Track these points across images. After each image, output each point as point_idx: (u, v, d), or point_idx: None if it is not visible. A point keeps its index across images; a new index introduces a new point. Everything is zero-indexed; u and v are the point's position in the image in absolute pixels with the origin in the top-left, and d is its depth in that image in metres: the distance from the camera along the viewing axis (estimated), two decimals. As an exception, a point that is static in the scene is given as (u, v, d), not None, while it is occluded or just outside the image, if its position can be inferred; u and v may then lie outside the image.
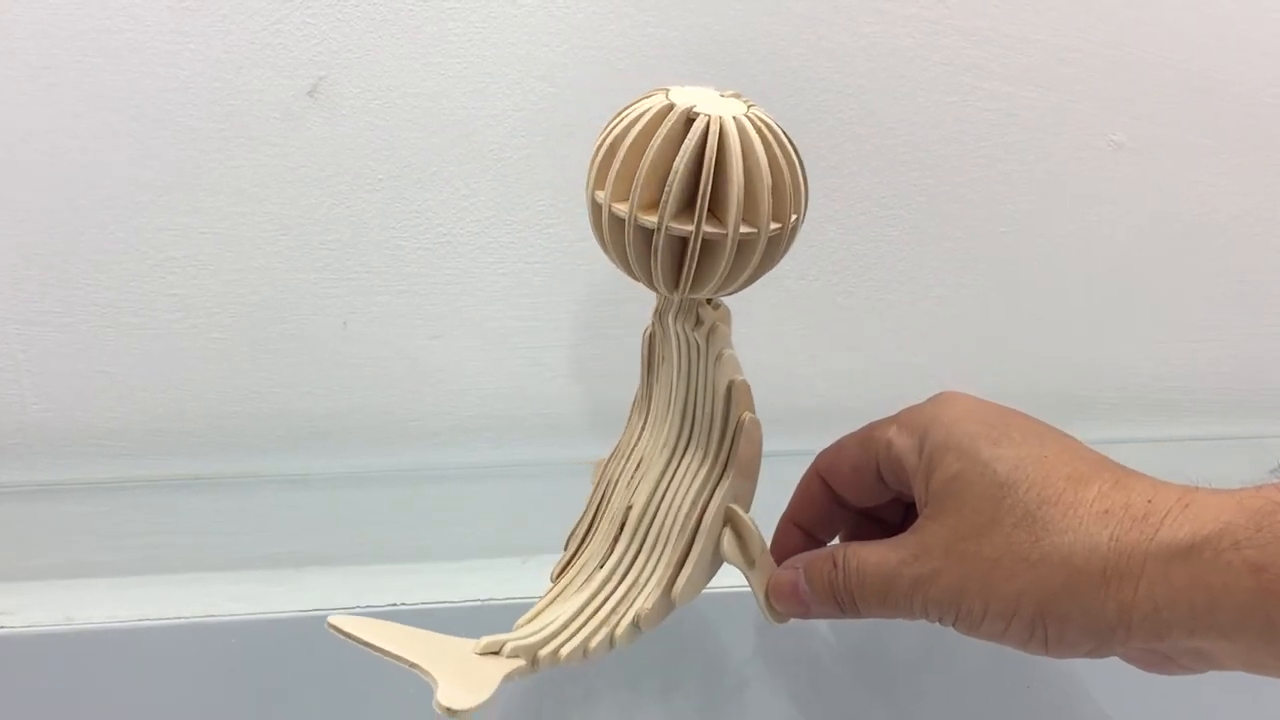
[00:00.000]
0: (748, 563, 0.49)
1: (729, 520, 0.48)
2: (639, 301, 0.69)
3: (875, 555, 0.44)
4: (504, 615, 0.62)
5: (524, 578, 0.65)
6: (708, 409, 0.47)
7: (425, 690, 0.60)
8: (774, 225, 0.40)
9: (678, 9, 0.63)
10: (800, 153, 0.42)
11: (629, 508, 0.50)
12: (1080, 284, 0.74)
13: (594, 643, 0.48)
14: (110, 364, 0.67)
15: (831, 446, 0.50)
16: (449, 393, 0.70)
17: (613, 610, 0.49)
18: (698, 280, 0.42)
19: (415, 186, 0.65)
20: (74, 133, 0.61)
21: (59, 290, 0.65)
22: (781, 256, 0.43)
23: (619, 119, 0.41)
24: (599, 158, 0.42)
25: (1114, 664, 0.64)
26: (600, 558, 0.51)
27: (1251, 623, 0.36)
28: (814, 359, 0.73)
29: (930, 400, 0.46)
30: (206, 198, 0.64)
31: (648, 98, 0.41)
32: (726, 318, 0.47)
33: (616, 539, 0.51)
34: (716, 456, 0.48)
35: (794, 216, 0.41)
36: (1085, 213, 0.72)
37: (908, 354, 0.74)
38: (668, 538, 0.49)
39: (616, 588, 0.50)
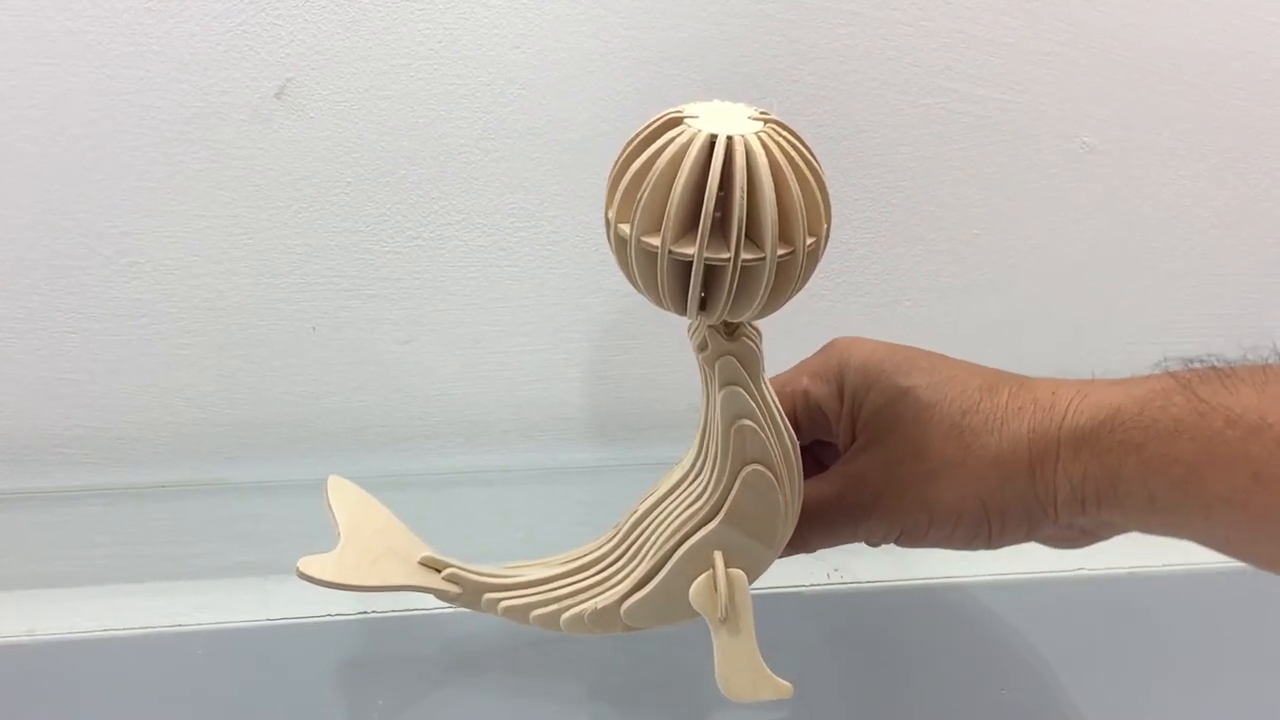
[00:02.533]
0: (711, 618, 0.47)
1: (710, 566, 0.46)
2: (610, 304, 0.69)
3: (815, 490, 0.47)
4: (477, 621, 0.62)
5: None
6: (715, 442, 0.46)
7: (393, 701, 0.59)
8: (783, 249, 0.38)
9: (647, 12, 0.63)
10: (821, 171, 0.39)
11: (634, 512, 0.50)
12: (1052, 285, 0.74)
13: (538, 613, 0.50)
14: (73, 370, 0.66)
15: None
16: (419, 398, 0.70)
17: (573, 594, 0.50)
18: (708, 305, 0.40)
19: (384, 189, 0.64)
20: (34, 137, 0.60)
21: (20, 295, 0.64)
22: (802, 280, 0.40)
23: (633, 138, 0.39)
24: (611, 176, 0.40)
25: (1089, 662, 0.64)
26: (598, 545, 0.51)
27: (1136, 495, 0.41)
28: (784, 363, 0.73)
29: (828, 349, 0.50)
30: (171, 201, 0.63)
31: (661, 116, 0.39)
32: (745, 352, 0.44)
33: (616, 535, 0.51)
34: (713, 494, 0.46)
35: (810, 240, 0.39)
36: (1057, 214, 0.72)
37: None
38: (645, 554, 0.48)
39: (589, 578, 0.50)
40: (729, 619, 0.47)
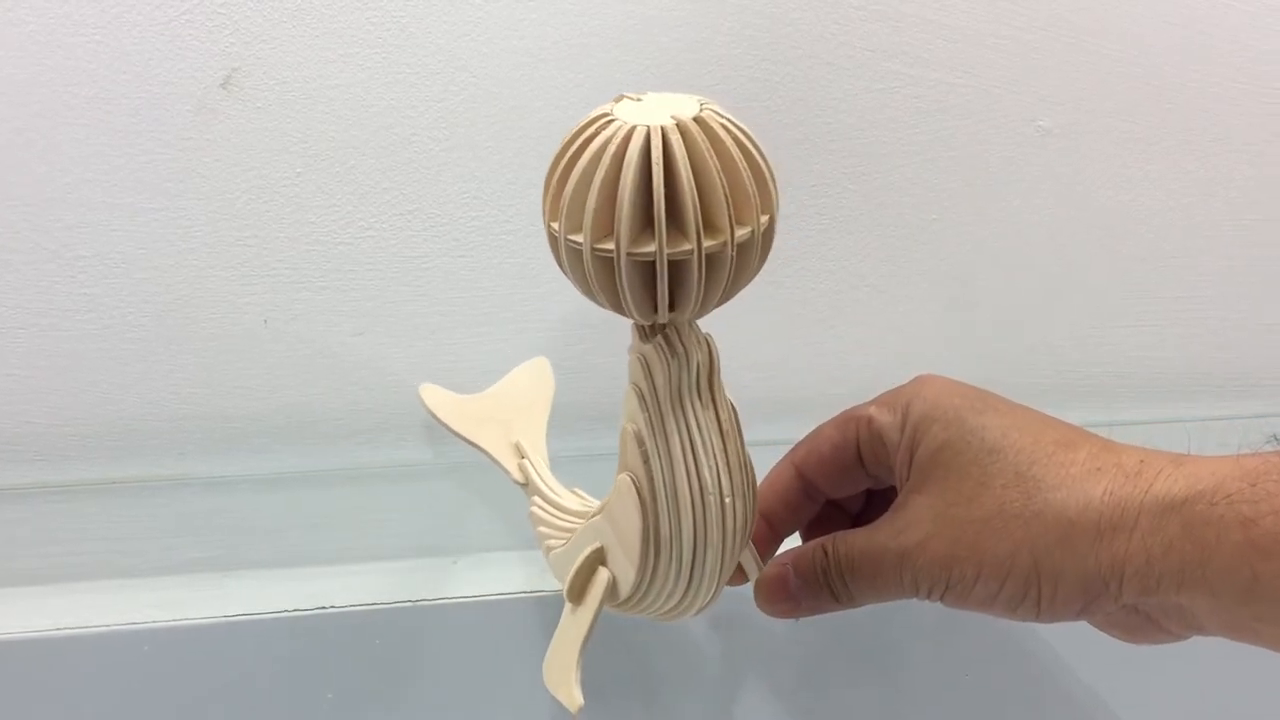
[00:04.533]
0: (568, 600, 0.48)
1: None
2: (567, 294, 0.69)
3: (863, 537, 0.44)
4: (436, 616, 0.61)
5: (455, 578, 0.65)
6: None
7: (343, 697, 0.59)
8: (741, 231, 0.37)
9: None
10: (762, 150, 0.38)
11: None
12: (1009, 270, 0.74)
13: (540, 529, 0.54)
14: (20, 367, 0.65)
15: (808, 435, 0.50)
16: (373, 390, 0.69)
17: (561, 531, 0.52)
18: (677, 304, 0.39)
19: (334, 180, 0.63)
20: (-25, 128, 0.59)
21: (-36, 292, 0.63)
22: (761, 259, 0.40)
23: (565, 143, 0.38)
24: (549, 186, 0.38)
25: (1059, 647, 0.64)
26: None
27: (1237, 578, 0.36)
28: (741, 351, 0.72)
29: (909, 382, 0.46)
30: (117, 194, 0.62)
31: (591, 115, 0.38)
32: (650, 356, 0.42)
33: None
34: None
35: (764, 218, 0.38)
36: (1014, 199, 0.71)
37: (837, 344, 0.74)
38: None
39: (578, 524, 0.51)
40: (575, 607, 0.47)
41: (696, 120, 0.36)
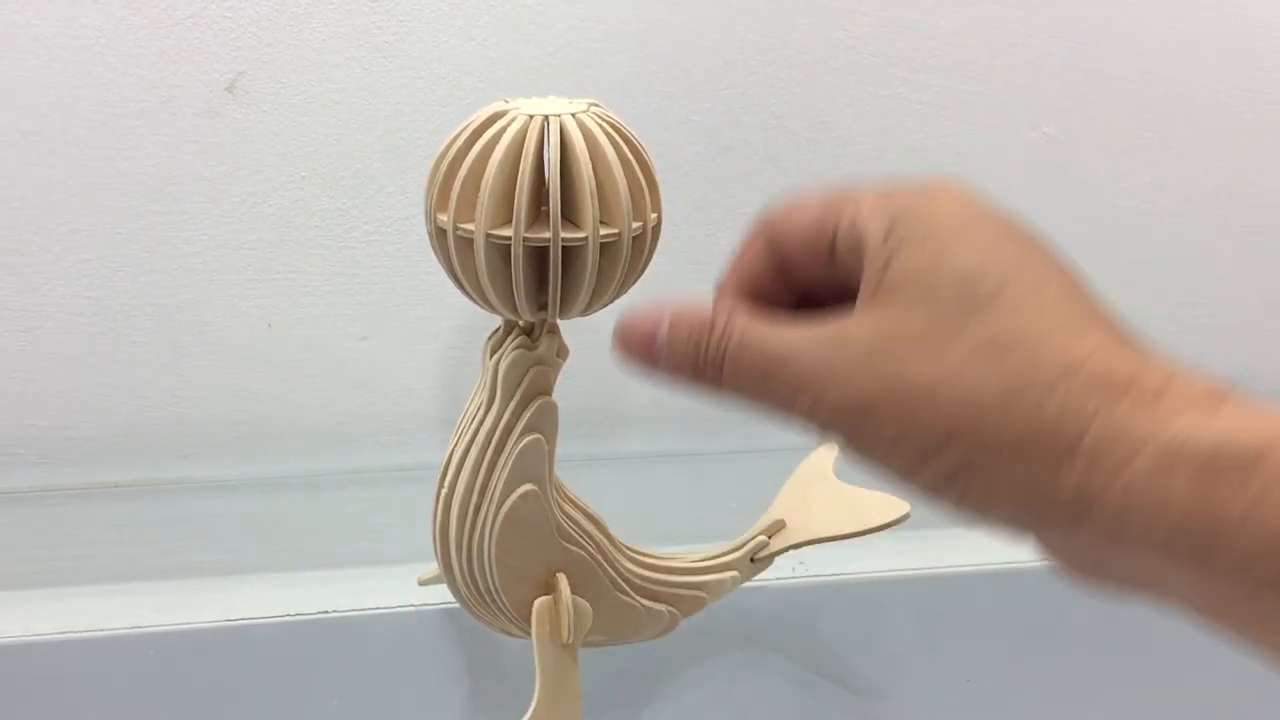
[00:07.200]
0: None
1: None
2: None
3: (774, 331, 0.34)
4: (440, 620, 0.61)
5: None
6: None
7: (346, 701, 0.59)
8: (634, 223, 0.38)
9: (603, 4, 0.62)
10: (637, 159, 0.39)
11: None
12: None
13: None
14: (23, 369, 0.65)
15: (790, 201, 0.37)
16: (377, 394, 0.69)
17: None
18: (565, 299, 0.40)
19: (339, 184, 0.64)
20: (-20, 131, 0.59)
21: (-33, 294, 0.63)
22: (650, 254, 0.40)
23: (456, 139, 0.39)
24: (440, 179, 0.39)
25: (1057, 651, 0.64)
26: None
27: (1267, 561, 0.26)
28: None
29: (923, 184, 0.35)
30: (122, 198, 0.62)
31: (483, 115, 0.40)
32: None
33: None
34: None
35: (654, 215, 0.39)
36: (1019, 204, 0.70)
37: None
38: None
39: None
40: None
41: (585, 118, 0.38)
